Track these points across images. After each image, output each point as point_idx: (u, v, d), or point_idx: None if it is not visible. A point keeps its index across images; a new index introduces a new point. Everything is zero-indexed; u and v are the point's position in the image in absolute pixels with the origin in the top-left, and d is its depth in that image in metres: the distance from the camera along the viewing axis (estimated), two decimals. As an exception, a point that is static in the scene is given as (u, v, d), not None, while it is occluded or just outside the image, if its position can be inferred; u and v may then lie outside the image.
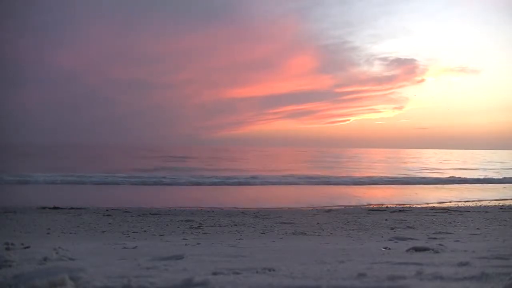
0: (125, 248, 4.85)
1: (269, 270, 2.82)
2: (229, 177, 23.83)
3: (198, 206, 12.53)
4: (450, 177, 27.26)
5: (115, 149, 61.54)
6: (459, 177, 26.76)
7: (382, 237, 6.59)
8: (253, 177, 24.27)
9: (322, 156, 63.51)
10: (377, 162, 48.37)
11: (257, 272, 2.78)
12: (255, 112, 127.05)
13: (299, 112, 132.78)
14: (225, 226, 8.47)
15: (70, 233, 7.31)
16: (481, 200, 15.33)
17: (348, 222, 9.12)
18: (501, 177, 27.50)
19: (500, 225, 8.44)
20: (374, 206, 13.13)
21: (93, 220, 9.04)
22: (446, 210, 11.71)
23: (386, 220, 9.44)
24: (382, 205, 13.38)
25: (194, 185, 21.13)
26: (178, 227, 8.27)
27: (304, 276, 2.62)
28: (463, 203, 14.25)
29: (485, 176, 28.32)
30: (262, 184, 22.44)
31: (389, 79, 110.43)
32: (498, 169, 37.84)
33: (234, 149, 74.29)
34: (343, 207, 13.00)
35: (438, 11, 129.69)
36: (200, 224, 8.61)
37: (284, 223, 8.88)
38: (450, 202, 14.69)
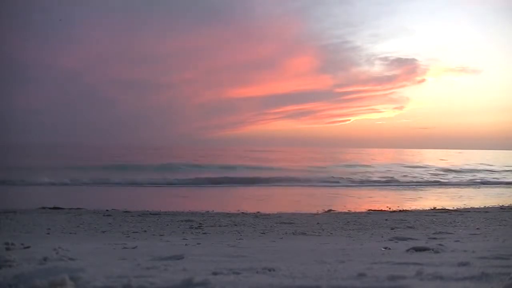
0: (125, 248, 4.85)
1: (269, 270, 2.83)
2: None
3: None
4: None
5: (131, 149, 61.15)
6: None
7: (382, 237, 6.58)
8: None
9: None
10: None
11: (257, 272, 2.79)
12: (255, 112, 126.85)
13: (300, 112, 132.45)
14: (225, 226, 8.47)
15: (70, 233, 7.30)
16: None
17: (348, 222, 9.11)
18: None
19: (500, 225, 8.44)
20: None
21: (93, 220, 9.04)
22: (446, 210, 11.71)
23: (386, 220, 9.43)
24: None
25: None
26: (178, 227, 8.26)
27: (304, 276, 2.62)
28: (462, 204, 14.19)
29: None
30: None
31: (389, 79, 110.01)
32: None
33: (240, 149, 74.00)
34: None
35: (439, 11, 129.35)
36: (200, 224, 8.61)
37: (284, 223, 8.87)
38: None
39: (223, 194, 18.42)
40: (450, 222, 9.07)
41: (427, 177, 26.41)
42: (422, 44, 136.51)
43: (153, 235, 7.13)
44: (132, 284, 2.33)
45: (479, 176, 28.04)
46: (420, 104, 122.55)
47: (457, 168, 32.95)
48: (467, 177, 27.35)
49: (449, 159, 52.13)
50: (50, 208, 10.99)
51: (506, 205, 13.36)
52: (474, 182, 24.70)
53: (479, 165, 37.80)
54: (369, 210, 12.01)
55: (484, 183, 24.24)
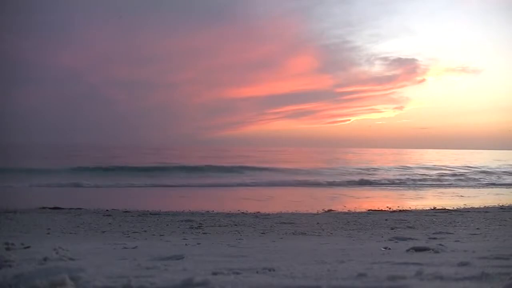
0: (125, 248, 4.86)
1: (269, 270, 2.83)
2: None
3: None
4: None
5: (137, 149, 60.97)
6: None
7: (382, 237, 6.59)
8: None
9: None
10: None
11: (257, 272, 2.79)
12: (255, 112, 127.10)
13: (300, 112, 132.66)
14: (225, 226, 8.47)
15: (70, 233, 7.31)
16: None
17: (348, 222, 9.11)
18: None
19: (500, 225, 8.43)
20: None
21: (93, 220, 9.04)
22: (446, 210, 11.71)
23: (386, 220, 9.43)
24: None
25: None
26: (178, 227, 8.26)
27: (304, 276, 2.62)
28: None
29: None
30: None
31: (389, 79, 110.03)
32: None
33: (240, 149, 73.86)
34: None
35: (439, 11, 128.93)
36: (200, 224, 8.61)
37: (284, 223, 8.87)
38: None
39: (223, 194, 18.42)
40: (450, 222, 9.06)
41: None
42: (422, 44, 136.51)
43: (153, 235, 7.13)
44: (132, 284, 2.33)
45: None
46: (420, 104, 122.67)
47: (488, 169, 31.99)
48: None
49: (459, 159, 51.41)
50: (50, 208, 11.00)
51: (506, 205, 13.37)
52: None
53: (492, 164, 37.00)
54: (369, 210, 12.00)
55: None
